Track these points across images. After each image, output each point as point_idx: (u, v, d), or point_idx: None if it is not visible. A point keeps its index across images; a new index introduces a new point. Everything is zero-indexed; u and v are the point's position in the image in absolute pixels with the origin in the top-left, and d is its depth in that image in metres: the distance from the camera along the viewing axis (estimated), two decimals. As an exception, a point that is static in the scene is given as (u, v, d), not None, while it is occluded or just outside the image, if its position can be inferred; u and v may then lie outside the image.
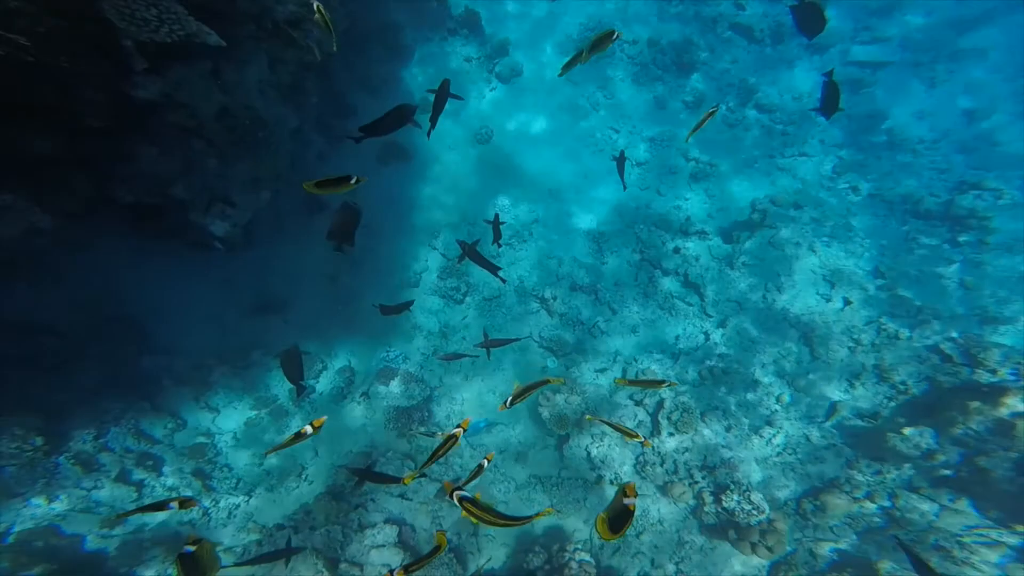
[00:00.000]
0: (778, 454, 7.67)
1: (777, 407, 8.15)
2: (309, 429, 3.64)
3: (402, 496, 7.60)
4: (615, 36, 4.23)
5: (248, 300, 8.62)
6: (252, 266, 8.44)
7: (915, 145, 12.22)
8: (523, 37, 11.53)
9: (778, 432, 7.85)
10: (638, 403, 8.14)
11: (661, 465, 7.48)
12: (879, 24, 13.36)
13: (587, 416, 7.02)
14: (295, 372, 6.09)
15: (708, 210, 10.25)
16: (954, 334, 8.61)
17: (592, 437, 7.78)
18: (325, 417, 3.94)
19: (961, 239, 10.43)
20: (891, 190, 11.10)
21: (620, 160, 7.04)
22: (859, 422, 7.88)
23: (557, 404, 8.08)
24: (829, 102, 5.73)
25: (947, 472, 7.21)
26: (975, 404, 7.36)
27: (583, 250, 9.79)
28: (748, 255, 9.61)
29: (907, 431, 7.37)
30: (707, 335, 8.96)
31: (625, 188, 7.76)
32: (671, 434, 7.74)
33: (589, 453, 7.67)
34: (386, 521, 7.19)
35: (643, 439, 4.88)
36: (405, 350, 8.93)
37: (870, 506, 7.10)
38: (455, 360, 7.98)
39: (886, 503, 7.13)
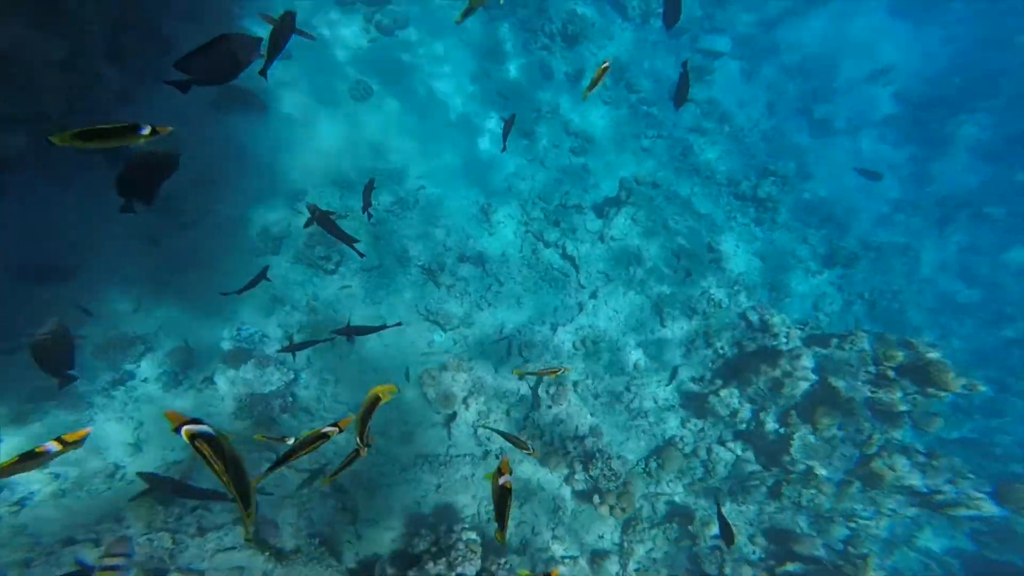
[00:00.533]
0: (633, 418, 8.78)
1: (635, 373, 9.23)
2: (53, 447, 2.58)
3: (260, 491, 6.77)
4: None
5: (11, 264, 6.27)
6: (12, 223, 6.07)
7: (737, 132, 14.19)
8: None
9: (635, 397, 8.94)
10: (520, 377, 8.39)
11: (541, 438, 7.96)
12: (718, 14, 14.69)
13: (482, 425, 6.96)
14: (57, 361, 4.56)
15: (584, 185, 10.55)
16: (753, 303, 10.62)
17: (479, 414, 7.84)
18: (88, 429, 2.89)
19: (764, 217, 12.74)
20: (721, 173, 12.83)
21: (508, 123, 6.73)
22: (692, 386, 9.40)
23: (443, 383, 7.86)
24: (680, 93, 6.17)
25: (743, 427, 8.77)
26: (763, 366, 9.20)
27: (471, 219, 9.30)
28: (616, 229, 10.28)
29: (722, 393, 8.97)
30: (581, 306, 9.53)
31: (504, 149, 7.34)
32: (548, 407, 8.22)
33: (475, 430, 7.75)
34: (237, 521, 6.33)
35: (531, 450, 5.04)
36: (262, 327, 7.59)
37: (694, 460, 8.63)
38: (301, 350, 6.88)
39: (704, 456, 8.73)
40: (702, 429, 8.86)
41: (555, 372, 5.97)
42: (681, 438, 8.66)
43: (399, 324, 6.92)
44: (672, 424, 8.86)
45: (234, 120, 7.75)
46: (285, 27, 3.66)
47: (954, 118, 16.67)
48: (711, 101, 13.76)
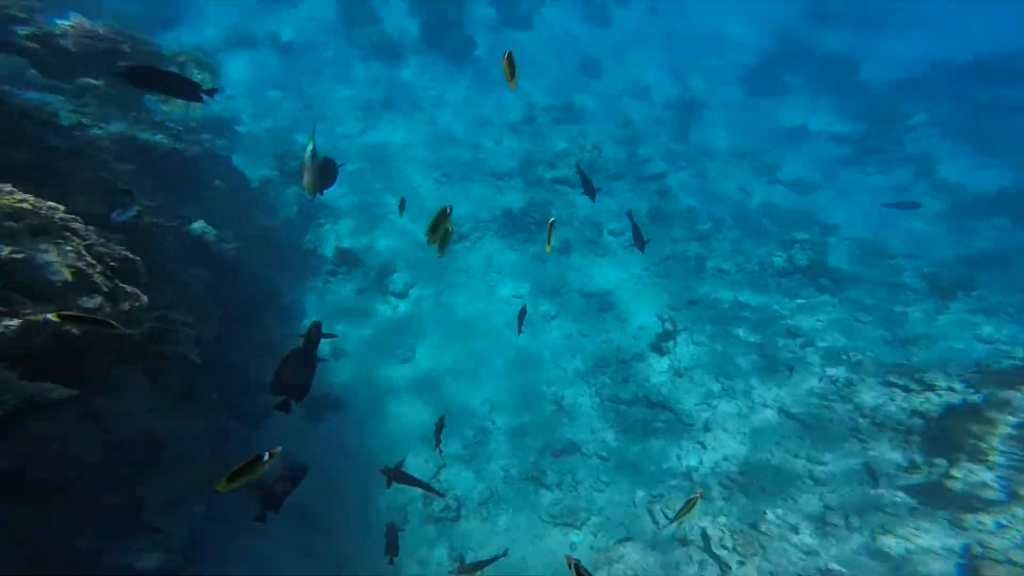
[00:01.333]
0: (874, 540, 7.12)
1: (816, 487, 7.86)
2: None
3: None
4: (448, 210, 4.44)
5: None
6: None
7: (728, 232, 14.35)
8: (399, 252, 12.08)
9: (847, 515, 7.40)
10: (684, 543, 7.25)
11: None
12: (639, 149, 15.89)
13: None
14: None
15: (632, 333, 10.86)
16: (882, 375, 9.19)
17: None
18: None
19: (824, 283, 12.09)
20: (749, 261, 12.69)
21: (522, 313, 7.36)
22: (907, 477, 7.67)
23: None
24: (637, 238, 7.06)
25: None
26: (975, 427, 7.34)
27: (550, 417, 9.42)
28: (684, 359, 10.08)
29: (956, 473, 7.18)
30: (703, 444, 8.77)
31: (520, 333, 7.65)
32: (741, 563, 6.87)
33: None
34: None
35: None
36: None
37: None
38: None
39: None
40: (981, 522, 6.89)
41: (693, 504, 5.25)
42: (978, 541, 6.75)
43: (506, 551, 6.72)
44: (931, 538, 7.00)
45: (328, 426, 8.86)
46: (313, 336, 4.62)
47: (904, 123, 17.67)
48: (689, 211, 14.11)
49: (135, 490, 5.65)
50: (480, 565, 6.22)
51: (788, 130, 18.33)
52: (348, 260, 11.41)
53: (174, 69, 10.93)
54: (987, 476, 7.05)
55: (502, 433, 9.17)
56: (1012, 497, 6.89)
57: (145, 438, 5.67)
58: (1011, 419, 7.22)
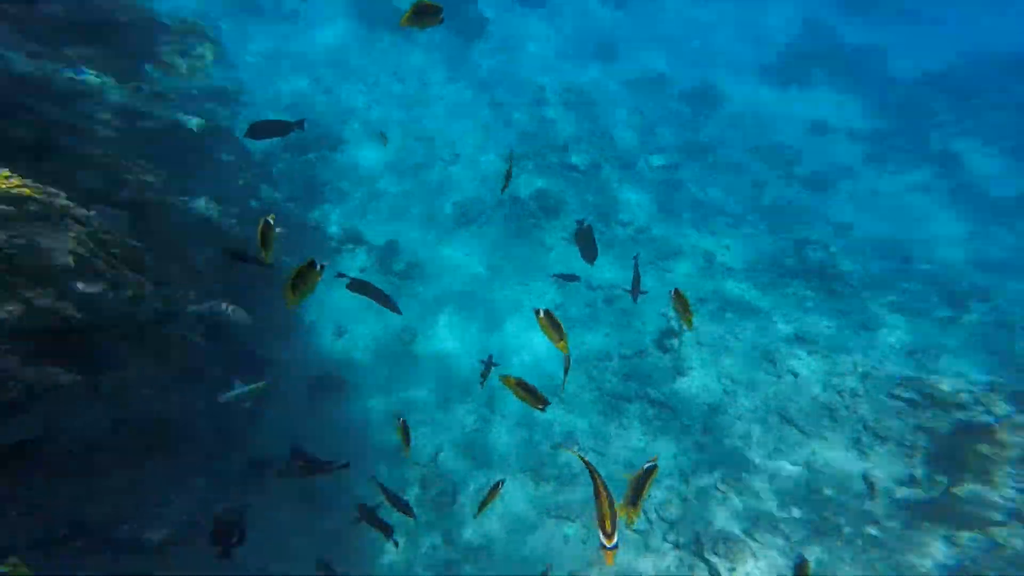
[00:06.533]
0: (862, 552, 7.13)
1: (814, 496, 7.86)
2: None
3: None
4: None
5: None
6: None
7: (741, 219, 14.25)
8: (404, 228, 11.98)
9: (845, 524, 7.42)
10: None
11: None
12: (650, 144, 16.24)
13: None
14: None
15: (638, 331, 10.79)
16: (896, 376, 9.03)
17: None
18: None
19: (835, 287, 11.88)
20: (764, 258, 12.60)
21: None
22: (905, 490, 7.60)
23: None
24: (635, 287, 7.12)
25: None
26: (983, 448, 7.23)
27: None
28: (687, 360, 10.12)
29: (961, 492, 7.08)
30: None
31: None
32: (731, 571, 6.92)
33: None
34: None
35: None
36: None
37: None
38: None
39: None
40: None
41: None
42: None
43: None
44: (937, 549, 7.05)
45: (328, 404, 9.07)
46: None
47: (932, 121, 17.22)
48: (697, 203, 13.84)
49: (142, 465, 5.82)
50: None
51: (809, 124, 17.69)
52: (353, 238, 11.24)
53: (174, 39, 10.48)
54: (994, 496, 6.92)
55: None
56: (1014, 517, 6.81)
57: (149, 415, 5.81)
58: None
